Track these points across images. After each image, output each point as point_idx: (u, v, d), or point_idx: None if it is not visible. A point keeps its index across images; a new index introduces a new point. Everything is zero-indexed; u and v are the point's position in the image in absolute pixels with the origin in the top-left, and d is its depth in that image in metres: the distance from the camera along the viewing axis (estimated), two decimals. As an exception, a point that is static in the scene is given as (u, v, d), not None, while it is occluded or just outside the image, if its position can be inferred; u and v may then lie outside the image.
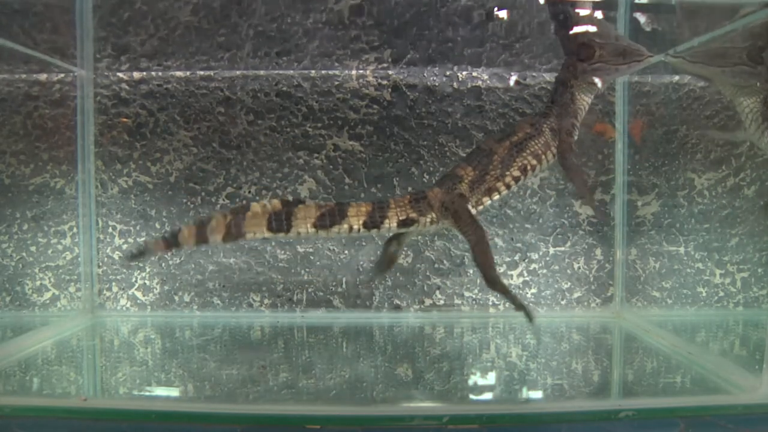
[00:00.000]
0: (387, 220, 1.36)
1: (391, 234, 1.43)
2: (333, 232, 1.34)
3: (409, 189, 1.80)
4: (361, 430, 1.11)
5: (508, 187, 1.39)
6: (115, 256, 1.80)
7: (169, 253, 1.79)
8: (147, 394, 1.28)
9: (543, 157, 1.40)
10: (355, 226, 1.35)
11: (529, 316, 1.31)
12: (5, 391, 1.27)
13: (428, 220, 1.38)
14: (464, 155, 1.53)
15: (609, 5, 1.69)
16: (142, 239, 1.79)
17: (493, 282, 1.33)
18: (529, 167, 1.39)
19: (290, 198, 1.36)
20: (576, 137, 1.43)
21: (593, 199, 1.41)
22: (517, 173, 1.38)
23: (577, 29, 1.47)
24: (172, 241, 1.29)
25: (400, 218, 1.36)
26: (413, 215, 1.37)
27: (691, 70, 1.58)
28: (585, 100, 1.43)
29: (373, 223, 1.36)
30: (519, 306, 1.32)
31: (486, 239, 1.34)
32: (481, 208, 1.39)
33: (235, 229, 1.30)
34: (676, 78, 1.78)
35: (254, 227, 1.31)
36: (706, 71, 1.55)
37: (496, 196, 1.40)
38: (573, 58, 1.42)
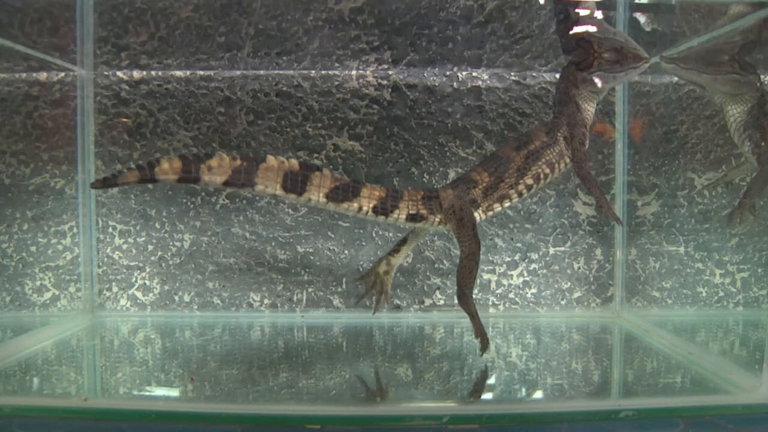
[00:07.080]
0: (397, 211, 1.35)
1: (398, 224, 1.40)
2: (342, 207, 1.32)
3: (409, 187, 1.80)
4: (361, 430, 1.11)
5: (520, 195, 1.39)
6: (115, 256, 1.80)
7: (169, 253, 1.80)
8: (147, 394, 1.27)
9: (556, 165, 1.41)
10: (365, 208, 1.33)
11: (484, 346, 1.33)
12: (5, 391, 1.27)
13: (437, 219, 1.38)
14: (479, 161, 1.52)
15: (608, 5, 1.69)
16: (142, 239, 1.80)
17: (464, 299, 1.34)
18: (542, 175, 1.39)
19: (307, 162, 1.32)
20: (587, 146, 1.44)
21: (610, 206, 1.44)
22: (530, 181, 1.39)
23: (576, 29, 1.48)
24: (148, 172, 1.19)
25: (410, 212, 1.36)
26: (423, 212, 1.36)
27: (684, 75, 1.59)
28: (589, 110, 1.44)
29: (383, 209, 1.34)
30: (479, 332, 1.34)
31: (478, 256, 1.34)
32: (491, 213, 1.40)
33: (245, 176, 1.23)
34: (676, 78, 1.78)
35: (267, 180, 1.25)
36: (698, 78, 1.57)
37: (507, 203, 1.40)
38: (572, 66, 1.43)
